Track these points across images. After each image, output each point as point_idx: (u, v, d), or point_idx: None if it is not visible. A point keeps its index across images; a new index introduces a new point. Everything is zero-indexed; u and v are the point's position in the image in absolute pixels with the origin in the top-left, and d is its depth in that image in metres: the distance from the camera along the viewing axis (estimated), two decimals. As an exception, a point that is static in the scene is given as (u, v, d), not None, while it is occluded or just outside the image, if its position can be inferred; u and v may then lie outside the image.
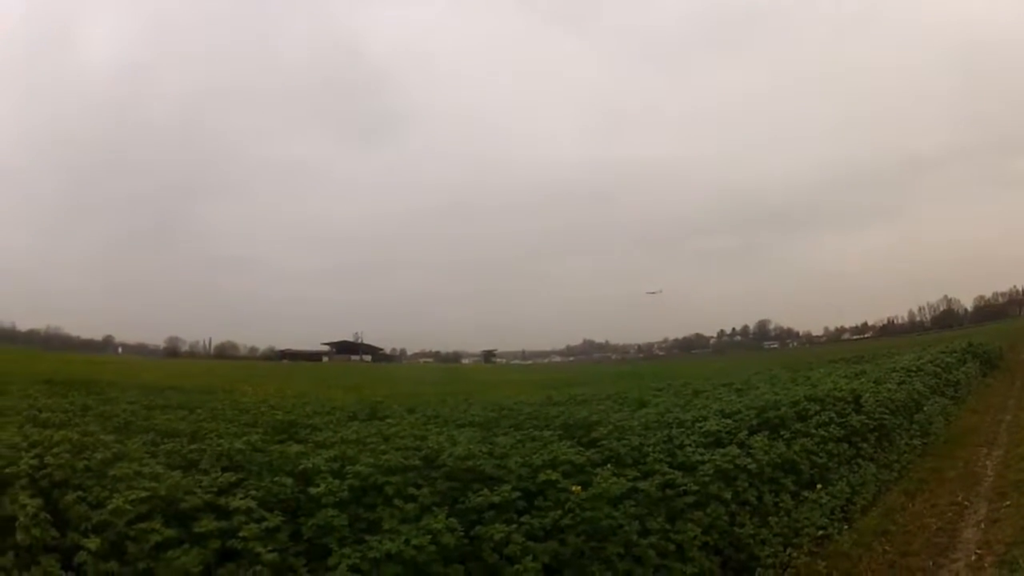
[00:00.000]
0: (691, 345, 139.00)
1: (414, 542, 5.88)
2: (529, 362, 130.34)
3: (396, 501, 6.64)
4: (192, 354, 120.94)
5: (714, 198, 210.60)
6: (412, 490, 6.88)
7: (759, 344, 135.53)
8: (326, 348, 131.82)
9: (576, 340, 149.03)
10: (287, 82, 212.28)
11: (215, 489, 6.42)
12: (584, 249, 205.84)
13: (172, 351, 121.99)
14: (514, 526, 6.41)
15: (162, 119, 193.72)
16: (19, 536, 5.42)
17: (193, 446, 8.36)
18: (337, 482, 6.73)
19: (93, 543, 5.32)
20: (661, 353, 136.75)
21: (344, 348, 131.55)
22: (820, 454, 10.24)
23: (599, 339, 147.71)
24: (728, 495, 8.00)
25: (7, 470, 6.12)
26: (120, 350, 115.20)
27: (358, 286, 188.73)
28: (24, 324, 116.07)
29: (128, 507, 5.59)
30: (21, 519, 5.47)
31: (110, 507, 5.57)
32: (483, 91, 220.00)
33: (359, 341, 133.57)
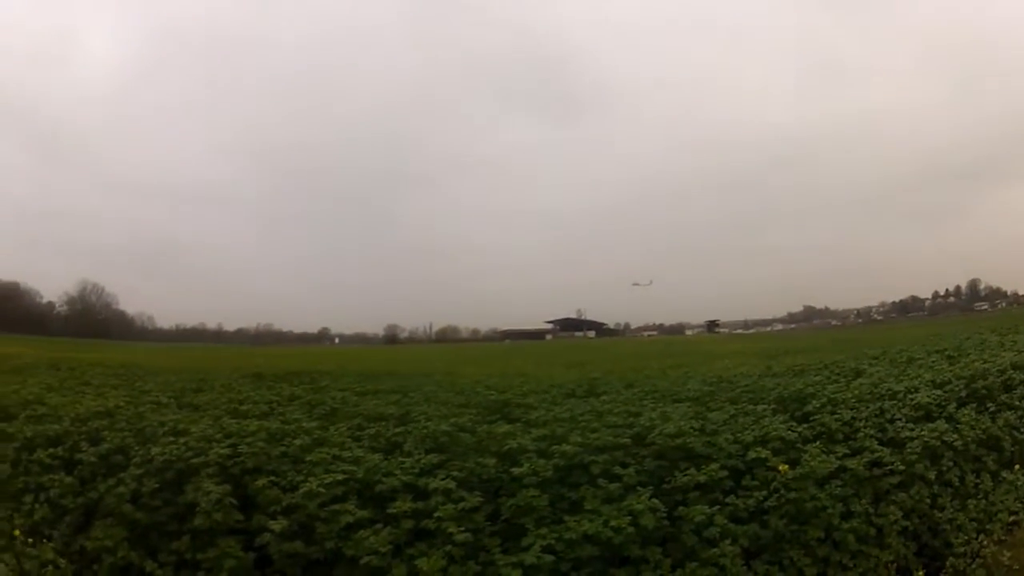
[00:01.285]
0: (907, 308, 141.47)
1: (612, 523, 5.87)
2: (752, 331, 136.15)
3: (601, 481, 6.70)
4: (412, 340, 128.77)
5: (921, 152, 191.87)
6: (618, 469, 6.92)
7: (970, 305, 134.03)
8: (549, 326, 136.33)
9: (796, 307, 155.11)
10: (487, 70, 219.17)
11: (416, 471, 6.87)
12: (796, 214, 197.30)
13: (391, 338, 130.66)
14: (717, 507, 6.36)
15: (367, 115, 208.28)
16: (197, 520, 6.15)
17: (399, 429, 9.04)
18: (542, 462, 6.92)
19: (278, 525, 5.90)
20: (879, 317, 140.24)
21: (567, 325, 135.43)
22: (1022, 429, 9.94)
23: (819, 305, 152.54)
24: (932, 475, 7.64)
25: (193, 460, 6.97)
26: (337, 341, 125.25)
27: (579, 264, 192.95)
28: (234, 325, 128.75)
29: (321, 490, 6.14)
30: (202, 504, 6.17)
31: (302, 490, 6.17)
32: (683, 59, 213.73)
33: (582, 317, 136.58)
